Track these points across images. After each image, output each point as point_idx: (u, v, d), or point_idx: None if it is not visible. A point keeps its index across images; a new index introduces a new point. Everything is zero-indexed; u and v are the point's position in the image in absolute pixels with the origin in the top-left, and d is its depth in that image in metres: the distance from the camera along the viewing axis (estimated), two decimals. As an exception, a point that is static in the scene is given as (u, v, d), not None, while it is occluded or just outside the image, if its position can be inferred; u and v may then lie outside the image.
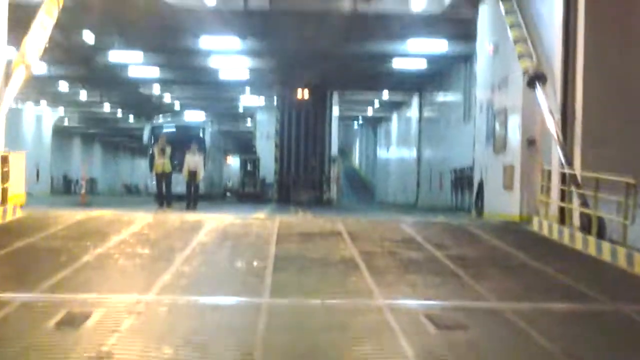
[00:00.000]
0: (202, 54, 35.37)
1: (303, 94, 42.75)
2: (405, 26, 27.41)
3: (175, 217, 17.43)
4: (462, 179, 33.85)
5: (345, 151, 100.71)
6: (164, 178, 23.85)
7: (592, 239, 13.77)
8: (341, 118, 59.23)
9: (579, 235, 14.41)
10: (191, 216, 17.69)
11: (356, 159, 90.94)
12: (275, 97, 44.18)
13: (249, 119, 60.98)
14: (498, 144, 21.48)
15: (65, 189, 71.38)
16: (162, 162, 23.87)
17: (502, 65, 21.51)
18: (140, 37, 32.13)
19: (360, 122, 67.05)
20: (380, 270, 11.05)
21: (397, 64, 36.46)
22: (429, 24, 26.59)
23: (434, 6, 25.72)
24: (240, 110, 56.75)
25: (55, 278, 9.91)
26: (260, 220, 17.21)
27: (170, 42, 33.01)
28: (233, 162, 64.32)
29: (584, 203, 14.83)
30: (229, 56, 35.98)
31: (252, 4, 25.70)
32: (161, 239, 13.64)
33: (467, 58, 34.00)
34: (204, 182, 42.80)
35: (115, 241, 13.06)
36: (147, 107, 53.39)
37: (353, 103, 53.07)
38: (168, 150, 24.30)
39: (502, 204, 20.94)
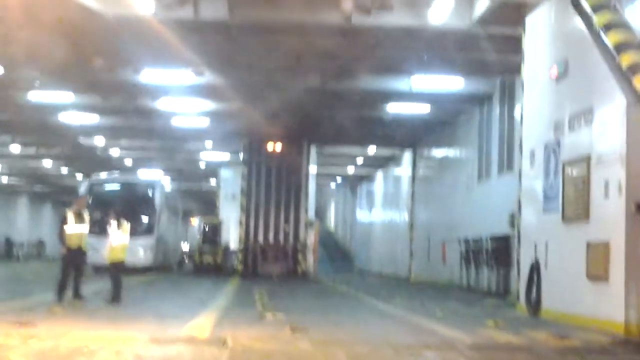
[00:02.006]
0: (147, 93, 28.01)
1: (275, 146, 35.51)
2: (417, 47, 20.25)
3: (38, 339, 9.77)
4: (478, 253, 26.52)
5: (319, 213, 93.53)
6: (76, 257, 16.21)
7: None
8: (317, 176, 52.01)
9: None
10: (68, 338, 9.95)
11: (332, 221, 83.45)
12: (241, 150, 36.81)
13: (214, 178, 53.45)
14: (573, 209, 14.19)
15: (7, 253, 64.42)
16: (78, 235, 16.27)
17: (577, 91, 14.36)
18: (65, 71, 24.71)
19: (339, 181, 59.74)
20: None
21: (393, 108, 29.31)
22: (457, 41, 19.50)
23: (457, 20, 18.63)
24: (202, 166, 49.29)
25: None
26: (196, 345, 9.63)
27: (104, 78, 25.63)
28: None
29: None
30: (181, 97, 28.63)
31: (205, 13, 18.43)
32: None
33: (484, 99, 26.96)
34: (152, 252, 35.32)
35: None
36: (92, 163, 45.75)
37: (332, 158, 45.85)
38: (86, 216, 16.76)
39: (584, 301, 13.58)
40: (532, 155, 16.51)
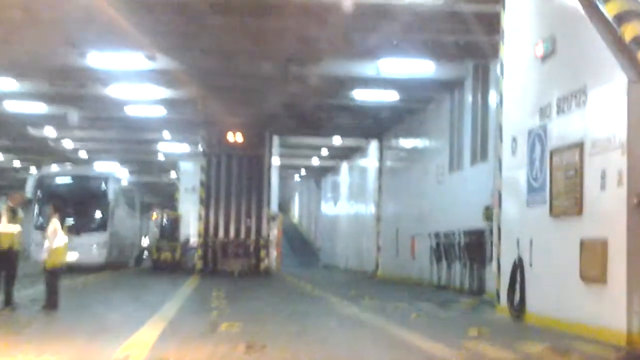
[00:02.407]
0: (97, 79, 26.13)
1: (235, 136, 33.76)
2: (386, 28, 18.67)
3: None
4: (450, 248, 25.07)
5: (283, 205, 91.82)
6: (6, 259, 14.41)
7: None
8: (281, 167, 50.35)
9: None
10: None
11: (296, 214, 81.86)
12: (200, 141, 35.02)
13: (174, 171, 51.51)
14: (562, 202, 12.70)
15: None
16: (9, 234, 14.46)
17: (567, 71, 12.85)
18: (3, 55, 22.78)
19: (303, 172, 58.13)
20: None
21: (360, 95, 27.71)
22: (429, 21, 17.97)
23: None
24: (162, 158, 47.36)
25: None
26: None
27: (48, 62, 23.76)
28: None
29: None
30: (133, 83, 26.79)
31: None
32: None
33: (456, 85, 25.50)
34: (106, 248, 33.48)
35: None
36: (45, 155, 43.60)
37: (296, 149, 44.22)
38: (20, 214, 14.97)
39: (576, 305, 12.11)
40: (514, 142, 15.02)
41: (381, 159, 37.52)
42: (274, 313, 14.99)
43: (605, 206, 11.37)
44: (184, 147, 42.42)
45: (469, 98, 24.48)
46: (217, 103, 28.90)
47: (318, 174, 57.88)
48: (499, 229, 15.84)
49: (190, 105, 29.85)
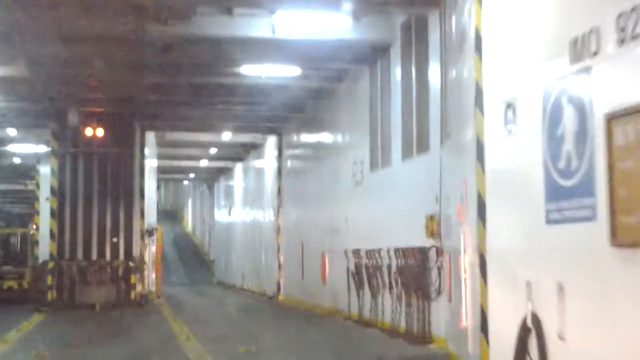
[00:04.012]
0: None
1: (95, 131, 26.55)
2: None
3: None
4: (375, 271, 18.61)
5: (176, 213, 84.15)
6: None
7: None
8: (165, 170, 43.14)
9: None
10: None
11: (189, 223, 74.48)
12: (49, 137, 27.65)
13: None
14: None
15: None
16: None
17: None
18: None
19: (192, 176, 50.77)
20: None
21: (250, 70, 20.97)
22: None
23: None
24: (17, 161, 39.44)
25: None
26: None
27: None
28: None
29: None
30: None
31: None
32: None
33: (378, 54, 19.09)
34: None
35: None
36: None
37: (179, 148, 37.13)
38: None
39: None
40: (510, 112, 8.60)
41: (280, 157, 30.95)
42: None
43: None
44: (42, 148, 34.77)
45: (397, 71, 18.11)
46: (60, 83, 21.75)
47: (210, 178, 50.86)
48: (478, 255, 9.41)
49: (28, 87, 22.53)
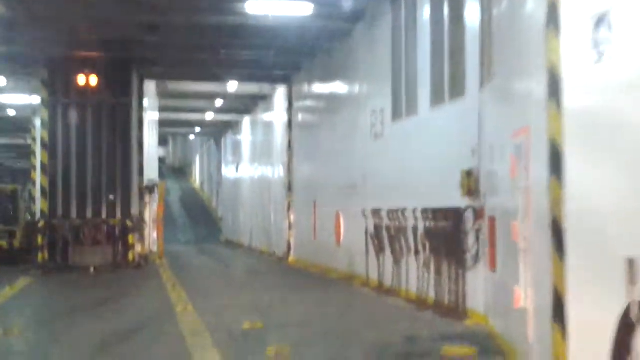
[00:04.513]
0: None
1: (88, 80, 24.34)
2: None
3: None
4: (399, 234, 16.47)
5: (183, 169, 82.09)
6: None
7: None
8: (169, 123, 40.96)
9: None
10: None
11: (197, 179, 72.51)
12: (40, 86, 25.42)
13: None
14: None
15: None
16: None
17: None
18: None
19: (198, 130, 48.47)
20: None
21: (256, 9, 18.62)
22: None
23: None
24: (12, 113, 37.28)
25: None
26: None
27: None
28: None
29: None
30: None
31: None
32: None
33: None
34: None
35: None
36: None
37: (183, 100, 34.87)
38: None
39: None
40: (603, 28, 6.35)
41: (290, 109, 28.69)
42: None
43: None
44: (37, 99, 32.56)
45: (425, 6, 15.75)
46: (44, 24, 19.50)
47: (217, 132, 48.65)
48: (550, 222, 7.19)
49: (10, 29, 20.29)
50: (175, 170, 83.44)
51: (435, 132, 14.92)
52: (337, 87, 22.96)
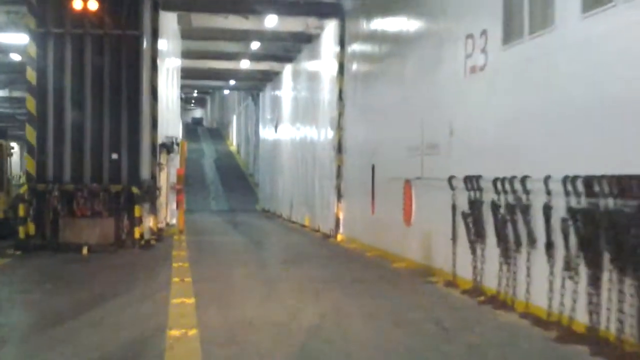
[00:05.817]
0: None
1: (86, 3, 18.96)
2: None
3: None
4: (515, 213, 10.84)
5: (220, 131, 76.90)
6: None
7: None
8: (197, 74, 35.49)
9: None
10: None
11: (234, 141, 67.28)
12: (26, 12, 20.01)
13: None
14: None
15: None
16: None
17: None
18: None
19: (232, 83, 42.71)
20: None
21: None
22: None
23: None
24: (17, 57, 32.01)
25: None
26: None
27: None
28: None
29: None
30: None
31: None
32: None
33: None
34: None
35: None
36: None
37: (212, 42, 29.30)
38: None
39: None
40: None
41: (343, 51, 23.03)
42: None
43: None
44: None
45: None
46: None
47: (254, 87, 43.01)
48: None
49: None
50: (212, 131, 78.34)
51: (585, 55, 9.21)
52: (410, 12, 17.19)
